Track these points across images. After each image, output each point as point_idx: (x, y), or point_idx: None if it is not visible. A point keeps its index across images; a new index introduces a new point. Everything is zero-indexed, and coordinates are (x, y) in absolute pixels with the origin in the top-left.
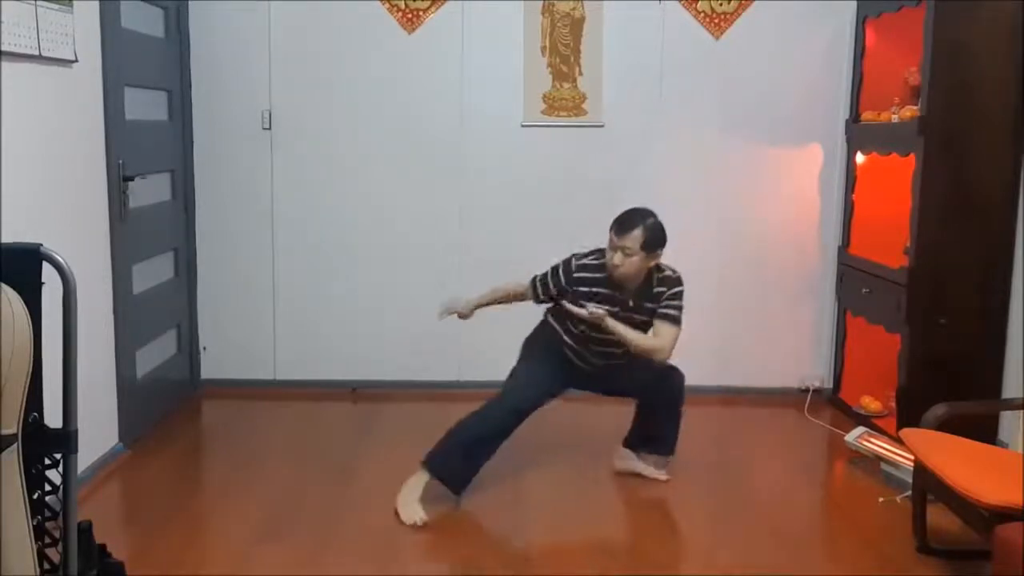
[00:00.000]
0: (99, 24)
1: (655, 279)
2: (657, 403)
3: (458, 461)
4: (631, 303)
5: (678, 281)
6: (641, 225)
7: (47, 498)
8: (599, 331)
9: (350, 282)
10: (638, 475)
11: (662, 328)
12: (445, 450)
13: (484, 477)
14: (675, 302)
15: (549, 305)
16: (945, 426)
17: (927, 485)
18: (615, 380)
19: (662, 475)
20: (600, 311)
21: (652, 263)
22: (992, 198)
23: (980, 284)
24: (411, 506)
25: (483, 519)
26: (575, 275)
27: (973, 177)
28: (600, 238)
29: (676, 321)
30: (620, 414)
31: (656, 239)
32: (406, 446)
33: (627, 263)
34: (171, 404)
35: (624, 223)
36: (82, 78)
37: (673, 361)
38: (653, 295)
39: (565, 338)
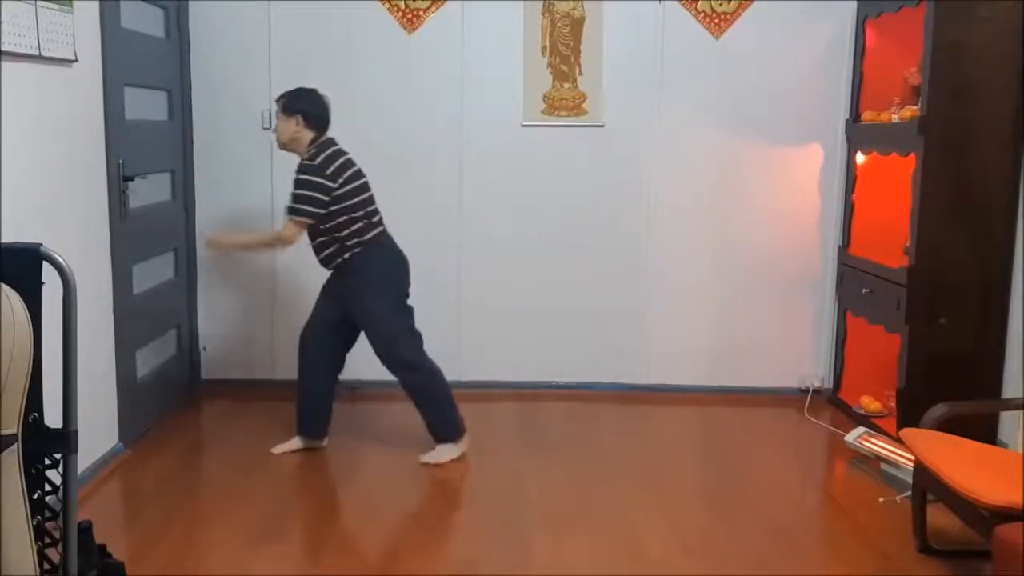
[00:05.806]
0: (99, 24)
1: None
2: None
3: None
4: None
5: (303, 168)
6: (288, 93)
7: (47, 498)
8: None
9: None
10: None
11: (284, 220)
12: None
13: (483, 476)
14: (294, 191)
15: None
16: (945, 426)
17: (927, 485)
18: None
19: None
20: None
21: (297, 129)
22: (992, 198)
23: (980, 284)
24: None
25: (483, 519)
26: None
27: (973, 177)
28: (598, 237)
29: (289, 211)
30: (621, 415)
31: (293, 100)
32: (406, 446)
33: (277, 127)
34: (171, 404)
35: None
36: (82, 78)
37: (671, 359)
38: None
39: None
